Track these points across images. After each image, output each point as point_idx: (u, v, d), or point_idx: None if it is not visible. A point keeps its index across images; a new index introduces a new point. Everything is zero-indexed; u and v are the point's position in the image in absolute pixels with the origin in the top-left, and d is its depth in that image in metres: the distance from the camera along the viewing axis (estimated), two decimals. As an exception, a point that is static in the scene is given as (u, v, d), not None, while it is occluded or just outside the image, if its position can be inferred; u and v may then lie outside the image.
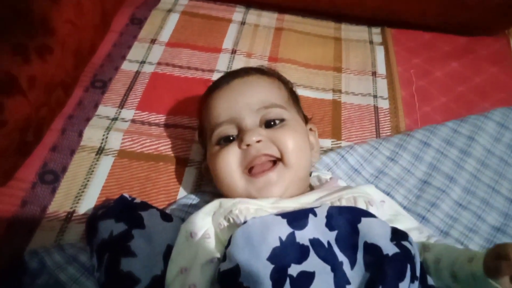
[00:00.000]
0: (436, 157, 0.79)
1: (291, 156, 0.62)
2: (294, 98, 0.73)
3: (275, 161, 0.62)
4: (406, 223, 0.63)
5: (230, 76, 0.71)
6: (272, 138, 0.62)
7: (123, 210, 0.65)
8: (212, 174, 0.66)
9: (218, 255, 0.55)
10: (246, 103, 0.65)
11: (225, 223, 0.57)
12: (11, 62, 0.67)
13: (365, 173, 0.77)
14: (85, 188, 0.74)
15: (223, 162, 0.63)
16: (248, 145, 0.62)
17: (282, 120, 0.65)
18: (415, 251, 0.53)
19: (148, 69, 0.96)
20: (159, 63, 0.98)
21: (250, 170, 0.62)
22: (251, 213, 0.56)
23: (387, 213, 0.62)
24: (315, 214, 0.54)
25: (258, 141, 0.62)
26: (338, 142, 0.85)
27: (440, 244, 0.60)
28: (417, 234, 0.61)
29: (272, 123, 0.64)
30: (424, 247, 0.59)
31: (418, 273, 0.51)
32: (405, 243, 0.52)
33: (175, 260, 0.58)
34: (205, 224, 0.59)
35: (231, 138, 0.64)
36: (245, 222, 0.54)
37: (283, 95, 0.69)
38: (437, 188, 0.75)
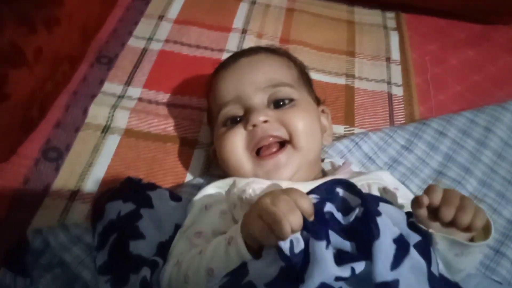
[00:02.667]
0: (452, 147, 0.77)
1: (300, 138, 0.59)
2: (305, 79, 0.69)
3: (283, 143, 0.60)
4: None
5: (238, 55, 0.69)
6: (281, 119, 0.60)
7: (131, 190, 0.63)
8: (218, 157, 0.64)
9: None
10: (252, 81, 0.62)
11: (239, 203, 0.55)
12: (16, 32, 0.64)
13: (379, 161, 0.75)
14: (90, 167, 0.71)
15: (229, 144, 0.60)
16: (254, 126, 0.59)
17: (291, 100, 0.62)
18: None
19: (155, 46, 0.93)
20: (167, 41, 0.95)
21: (257, 152, 0.60)
22: None
23: (399, 201, 0.60)
24: (331, 201, 0.52)
25: (265, 122, 0.59)
26: (351, 128, 0.83)
27: None
28: None
29: (281, 103, 0.62)
30: None
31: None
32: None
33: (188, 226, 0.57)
34: (220, 198, 0.58)
35: (238, 119, 0.62)
36: None
37: (292, 74, 0.66)
38: (453, 179, 0.73)
